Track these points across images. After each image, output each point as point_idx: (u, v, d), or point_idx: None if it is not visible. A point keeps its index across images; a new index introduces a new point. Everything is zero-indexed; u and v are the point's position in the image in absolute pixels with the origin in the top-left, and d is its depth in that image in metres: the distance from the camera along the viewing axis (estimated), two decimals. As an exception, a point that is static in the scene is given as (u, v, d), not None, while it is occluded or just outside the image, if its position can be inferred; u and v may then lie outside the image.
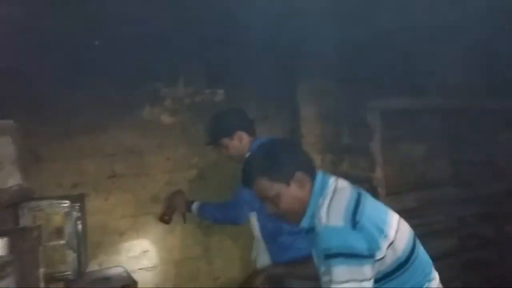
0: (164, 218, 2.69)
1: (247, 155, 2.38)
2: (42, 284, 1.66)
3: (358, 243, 1.37)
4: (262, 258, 2.47)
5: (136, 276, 2.55)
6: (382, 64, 3.29)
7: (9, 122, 1.95)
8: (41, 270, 1.60)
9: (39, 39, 2.45)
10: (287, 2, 2.70)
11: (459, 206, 3.71)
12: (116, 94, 2.73)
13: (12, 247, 1.56)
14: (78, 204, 2.31)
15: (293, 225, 1.61)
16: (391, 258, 1.44)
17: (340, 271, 1.34)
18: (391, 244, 1.43)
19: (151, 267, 2.88)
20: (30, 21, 2.41)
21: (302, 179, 1.52)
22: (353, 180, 3.36)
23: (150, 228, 2.86)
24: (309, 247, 1.64)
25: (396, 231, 1.47)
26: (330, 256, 1.35)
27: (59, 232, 2.25)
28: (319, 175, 1.57)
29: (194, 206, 2.55)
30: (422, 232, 3.47)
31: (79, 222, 2.30)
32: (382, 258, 1.42)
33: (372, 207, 1.51)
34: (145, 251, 2.86)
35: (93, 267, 2.65)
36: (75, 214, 2.28)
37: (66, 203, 2.26)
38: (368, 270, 1.36)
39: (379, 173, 3.05)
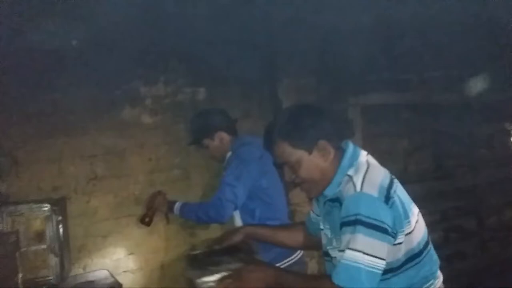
0: (145, 220, 2.64)
1: (229, 154, 2.39)
2: (21, 290, 1.63)
3: (386, 218, 1.33)
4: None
5: (120, 279, 2.51)
6: (362, 60, 3.31)
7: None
8: (20, 276, 1.56)
9: (16, 39, 2.40)
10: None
11: (441, 199, 3.75)
12: (95, 93, 2.69)
13: (-12, 253, 1.52)
14: (59, 208, 2.27)
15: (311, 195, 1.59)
16: (407, 247, 1.41)
17: (361, 239, 1.30)
18: (409, 232, 1.41)
19: (136, 269, 2.85)
20: (8, 21, 2.35)
21: (325, 148, 1.45)
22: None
23: (134, 230, 2.83)
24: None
25: (416, 221, 1.45)
26: (355, 221, 1.31)
27: (39, 236, 2.21)
28: (350, 146, 1.50)
29: (176, 206, 2.53)
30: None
31: (60, 226, 2.26)
32: (400, 244, 1.39)
33: (402, 191, 1.47)
34: (129, 254, 2.84)
35: (77, 270, 2.62)
36: (56, 217, 2.24)
37: (46, 207, 2.22)
38: (385, 249, 1.33)
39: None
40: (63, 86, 2.58)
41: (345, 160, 1.46)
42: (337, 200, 1.43)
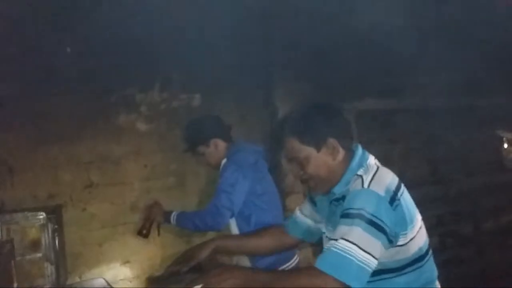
0: (143, 232, 2.62)
1: (224, 161, 2.39)
2: (17, 299, 1.62)
3: (387, 219, 1.33)
4: (242, 263, 2.47)
5: (117, 287, 2.50)
6: (357, 65, 3.32)
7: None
8: (15, 285, 1.55)
9: (11, 46, 2.40)
10: (262, 4, 2.72)
11: (437, 204, 3.76)
12: (90, 100, 2.69)
13: (-17, 262, 1.51)
14: (55, 216, 2.26)
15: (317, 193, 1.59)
16: (410, 250, 1.42)
17: (359, 233, 1.29)
18: (413, 237, 1.41)
19: (133, 277, 2.84)
20: (2, 27, 2.35)
21: (334, 147, 1.46)
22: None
23: (130, 238, 2.81)
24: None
25: (420, 227, 1.46)
26: (357, 215, 1.31)
27: (35, 245, 2.20)
28: (359, 149, 1.52)
29: (173, 216, 2.52)
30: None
31: (56, 234, 2.25)
32: (402, 246, 1.39)
33: (408, 196, 1.47)
34: (126, 262, 2.82)
35: (73, 279, 2.59)
36: (52, 225, 2.24)
37: (42, 215, 2.22)
38: (379, 249, 1.31)
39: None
40: (58, 93, 2.57)
41: (355, 161, 1.47)
42: (342, 199, 1.43)
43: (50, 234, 2.22)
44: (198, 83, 3.03)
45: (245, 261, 2.45)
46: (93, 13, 2.50)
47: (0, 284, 1.48)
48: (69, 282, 2.48)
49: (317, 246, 1.73)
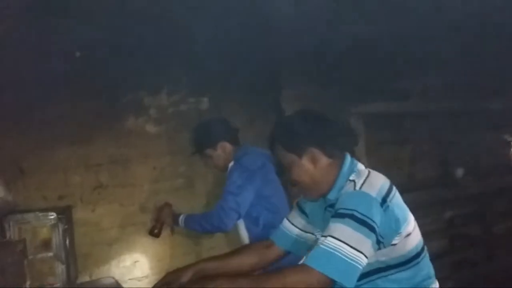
0: (154, 232, 2.67)
1: (231, 164, 2.42)
2: (28, 297, 1.65)
3: (377, 218, 1.35)
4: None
5: (127, 287, 2.53)
6: (366, 68, 3.33)
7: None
8: (28, 283, 1.59)
9: (20, 51, 2.45)
10: (270, 8, 2.73)
11: (447, 207, 3.74)
12: (100, 104, 2.74)
13: (-4, 261, 1.55)
14: (65, 216, 2.30)
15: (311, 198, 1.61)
16: (407, 247, 1.45)
17: (349, 232, 1.31)
18: (409, 234, 1.45)
19: (142, 277, 2.87)
20: (12, 32, 2.41)
21: (315, 155, 1.50)
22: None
23: (139, 238, 2.85)
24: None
25: (414, 226, 1.49)
26: (349, 216, 1.34)
27: (46, 244, 2.24)
28: (347, 156, 1.55)
29: (181, 219, 2.55)
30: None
31: (66, 234, 2.29)
32: (400, 243, 1.43)
33: (399, 198, 1.50)
34: (135, 261, 2.86)
35: (83, 278, 2.64)
36: (62, 226, 2.27)
37: (53, 215, 2.25)
38: (369, 246, 1.33)
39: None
40: (68, 96, 2.62)
41: (346, 166, 1.50)
42: (337, 204, 1.45)
43: (60, 234, 2.25)
44: (206, 87, 3.07)
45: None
46: (102, 17, 2.55)
47: (14, 282, 1.52)
48: (79, 281, 2.52)
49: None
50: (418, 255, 1.48)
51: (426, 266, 1.52)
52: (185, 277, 1.59)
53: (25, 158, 2.53)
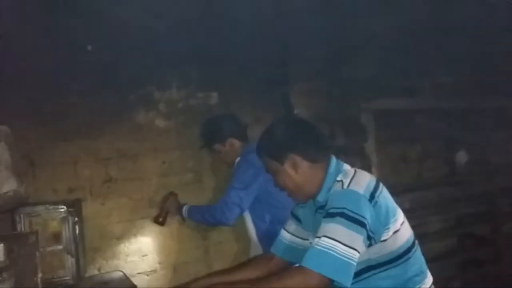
0: (158, 220, 2.71)
1: (238, 159, 2.44)
2: (40, 289, 1.66)
3: (367, 214, 1.40)
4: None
5: (135, 281, 2.54)
6: (375, 65, 3.31)
7: (4, 127, 1.95)
8: (39, 275, 1.60)
9: (33, 44, 2.46)
10: (279, 3, 2.73)
11: (456, 206, 3.72)
12: (110, 98, 2.74)
13: (9, 253, 1.56)
14: (75, 209, 2.31)
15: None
16: (397, 243, 1.48)
17: (341, 230, 1.35)
18: (397, 230, 1.48)
19: (150, 271, 2.88)
20: (24, 26, 2.42)
21: (295, 161, 1.55)
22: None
23: (148, 232, 2.86)
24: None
25: (402, 222, 1.52)
26: (339, 214, 1.38)
27: (56, 237, 2.25)
28: (333, 159, 1.60)
29: (185, 209, 2.60)
30: (420, 233, 3.53)
31: (76, 227, 2.30)
32: (389, 239, 1.46)
33: (387, 193, 1.55)
34: (143, 255, 2.86)
35: (92, 271, 2.65)
36: (72, 219, 2.28)
37: (63, 208, 2.27)
38: (360, 242, 1.37)
39: (374, 174, 3.05)
40: (79, 90, 2.63)
41: (331, 168, 1.57)
42: (327, 205, 1.49)
43: (70, 227, 2.26)
44: (215, 82, 3.06)
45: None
46: (113, 11, 2.55)
47: (26, 274, 1.53)
48: (87, 274, 2.53)
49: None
50: (408, 250, 1.51)
51: (418, 261, 1.55)
52: None
53: (35, 151, 2.54)
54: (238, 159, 2.48)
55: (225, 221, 2.44)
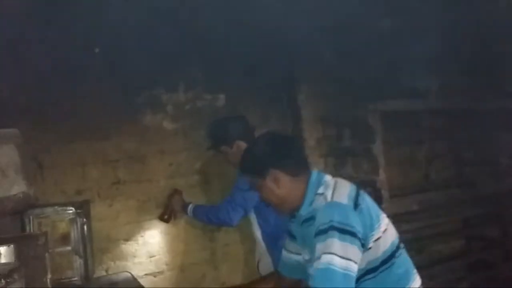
0: (164, 218, 2.74)
1: None
2: (50, 290, 1.67)
3: (356, 223, 1.45)
4: (265, 261, 2.51)
5: (142, 282, 2.56)
6: (382, 66, 3.30)
7: (13, 130, 1.96)
8: (49, 276, 1.61)
9: (40, 47, 2.48)
10: (285, 5, 2.73)
11: (464, 207, 3.70)
12: (118, 100, 2.75)
13: (18, 254, 1.57)
14: (83, 211, 2.32)
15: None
16: (380, 250, 1.52)
17: (335, 243, 1.40)
18: (379, 238, 1.52)
19: (158, 272, 2.89)
20: (31, 28, 2.44)
21: (277, 176, 1.60)
22: (356, 182, 3.37)
23: (155, 234, 2.87)
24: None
25: (384, 230, 1.55)
26: (329, 228, 1.42)
27: (65, 238, 2.27)
28: (314, 172, 1.65)
29: (190, 208, 2.63)
30: (428, 235, 3.53)
31: (84, 228, 2.31)
32: (370, 249, 1.49)
33: (369, 200, 1.61)
34: (151, 257, 2.87)
35: (100, 273, 2.66)
36: (80, 220, 2.29)
37: (71, 210, 2.28)
38: (356, 252, 1.42)
39: (382, 175, 3.05)
40: (87, 92, 2.65)
41: (312, 181, 1.61)
42: (312, 218, 1.53)
43: (79, 229, 2.27)
44: (223, 84, 3.07)
45: (267, 260, 2.48)
46: (119, 14, 2.56)
47: (36, 275, 1.54)
48: (95, 276, 2.54)
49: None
50: (393, 254, 1.54)
51: (403, 264, 1.58)
52: None
53: (44, 153, 2.56)
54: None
55: (228, 222, 2.46)
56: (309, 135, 3.24)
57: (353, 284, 1.40)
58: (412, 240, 3.42)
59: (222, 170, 3.00)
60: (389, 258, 1.53)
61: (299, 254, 1.70)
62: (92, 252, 2.43)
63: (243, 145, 2.48)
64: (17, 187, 1.86)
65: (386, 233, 1.55)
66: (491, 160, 3.85)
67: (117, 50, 2.67)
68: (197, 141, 2.94)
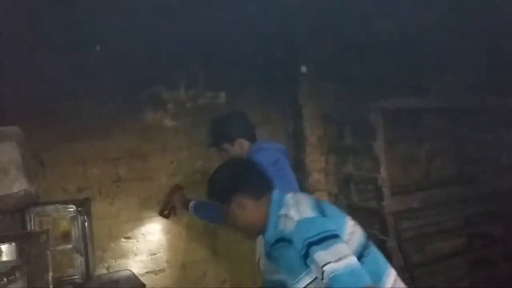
0: (164, 213, 2.74)
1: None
2: (51, 288, 1.68)
3: (329, 226, 1.52)
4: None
5: (143, 280, 2.56)
6: (383, 64, 3.30)
7: (14, 128, 1.97)
8: (50, 274, 1.61)
9: (42, 46, 2.48)
10: (287, 3, 2.73)
11: (465, 205, 3.69)
12: (119, 98, 2.76)
13: (20, 252, 1.57)
14: (84, 209, 2.32)
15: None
16: (351, 248, 1.55)
17: (323, 254, 1.45)
18: (348, 241, 1.57)
19: (159, 270, 2.89)
20: (33, 27, 2.44)
21: (241, 202, 1.67)
22: (358, 180, 3.36)
23: (156, 232, 2.88)
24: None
25: (351, 232, 1.61)
26: (308, 248, 1.47)
27: (66, 236, 2.27)
28: (275, 193, 1.71)
29: (191, 205, 2.63)
30: (429, 232, 3.53)
31: (85, 226, 2.31)
32: None
33: (332, 206, 1.70)
34: (152, 254, 2.88)
35: (100, 270, 2.67)
36: (81, 218, 2.30)
37: (72, 208, 2.28)
38: (344, 247, 1.48)
39: (383, 173, 3.04)
40: (88, 90, 2.65)
41: (273, 205, 1.66)
42: (281, 240, 1.58)
43: (80, 226, 2.28)
44: (223, 82, 3.06)
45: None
46: (121, 12, 2.56)
47: (37, 273, 1.54)
48: (96, 273, 2.54)
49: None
50: (362, 254, 1.58)
51: (374, 262, 1.61)
52: None
53: (45, 151, 2.57)
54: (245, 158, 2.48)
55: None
56: (310, 133, 3.24)
57: (361, 272, 1.44)
58: (413, 238, 3.43)
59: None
60: (358, 258, 1.55)
61: (279, 272, 1.71)
62: (93, 250, 2.43)
63: (244, 142, 2.47)
64: (19, 185, 1.86)
65: (352, 235, 1.60)
66: (492, 158, 3.84)
67: (118, 48, 2.67)
68: (198, 139, 2.94)
